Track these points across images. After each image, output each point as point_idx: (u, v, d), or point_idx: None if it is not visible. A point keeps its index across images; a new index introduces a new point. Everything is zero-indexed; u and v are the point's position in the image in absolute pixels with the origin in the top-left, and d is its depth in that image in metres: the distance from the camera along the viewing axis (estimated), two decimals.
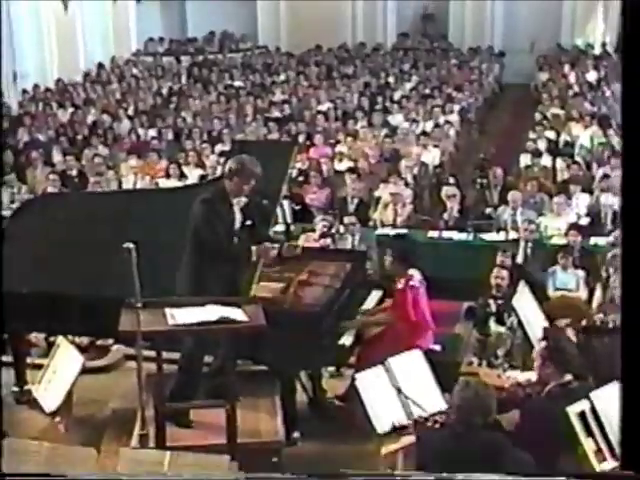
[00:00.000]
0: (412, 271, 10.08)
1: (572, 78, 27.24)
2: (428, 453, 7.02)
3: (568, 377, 7.62)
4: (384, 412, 7.83)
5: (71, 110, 23.91)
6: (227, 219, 8.75)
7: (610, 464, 7.21)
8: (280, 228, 11.10)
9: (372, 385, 8.05)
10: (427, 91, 25.78)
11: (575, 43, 30.96)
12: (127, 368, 10.61)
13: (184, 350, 8.73)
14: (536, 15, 31.21)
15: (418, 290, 10.09)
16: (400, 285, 10.05)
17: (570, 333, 9.17)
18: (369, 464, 7.40)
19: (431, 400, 7.88)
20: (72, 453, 6.93)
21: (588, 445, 7.17)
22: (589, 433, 7.19)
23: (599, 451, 7.19)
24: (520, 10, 31.35)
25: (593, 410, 7.25)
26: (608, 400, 7.38)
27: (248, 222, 8.93)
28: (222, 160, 14.54)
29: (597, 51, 30.56)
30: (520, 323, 10.24)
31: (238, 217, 8.87)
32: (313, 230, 14.31)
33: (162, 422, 8.09)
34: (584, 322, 11.02)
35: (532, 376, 8.86)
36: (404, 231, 14.77)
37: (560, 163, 18.52)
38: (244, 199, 8.90)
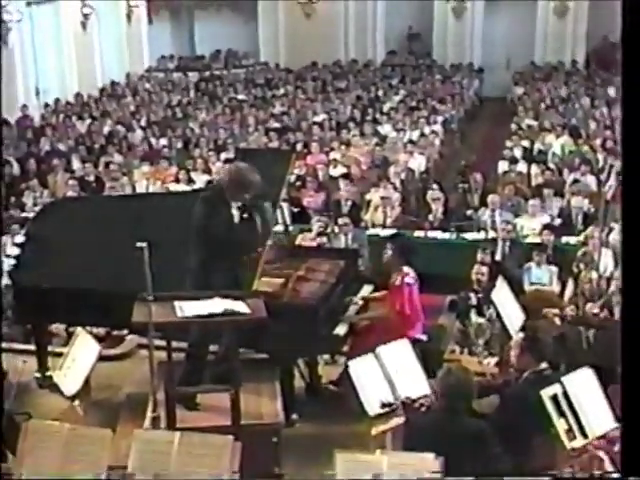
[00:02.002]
0: (407, 269, 10.07)
1: (545, 92, 27.23)
2: (415, 435, 7.03)
3: (543, 365, 7.63)
4: (374, 396, 7.81)
5: (89, 121, 23.93)
6: (225, 216, 8.71)
7: (579, 442, 7.24)
8: (280, 228, 11.07)
9: (363, 371, 8.02)
10: (413, 104, 25.78)
11: (547, 60, 30.93)
12: (140, 356, 10.57)
13: (191, 340, 8.70)
14: (512, 35, 31.23)
15: (412, 287, 10.07)
16: (397, 282, 10.03)
17: (546, 323, 9.15)
18: (361, 444, 7.37)
19: (417, 385, 7.85)
20: (90, 433, 6.87)
21: (560, 425, 7.19)
22: (561, 414, 7.20)
23: (570, 430, 7.22)
24: (497, 30, 31.34)
25: (565, 393, 7.26)
26: (578, 384, 7.40)
27: (245, 215, 8.87)
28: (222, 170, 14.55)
29: (567, 68, 30.54)
30: (498, 315, 10.22)
31: (236, 214, 8.83)
32: (310, 230, 14.36)
33: (172, 405, 8.08)
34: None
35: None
36: (401, 232, 14.80)
37: (534, 169, 18.57)
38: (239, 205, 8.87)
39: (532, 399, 7.21)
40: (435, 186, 16.77)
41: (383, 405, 7.74)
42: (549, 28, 30.83)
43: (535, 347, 7.77)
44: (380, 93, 27.69)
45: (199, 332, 8.59)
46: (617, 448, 7.62)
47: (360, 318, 10.15)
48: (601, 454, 7.62)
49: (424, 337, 10.05)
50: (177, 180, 17.74)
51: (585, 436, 7.27)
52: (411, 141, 20.75)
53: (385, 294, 10.26)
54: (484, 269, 11.99)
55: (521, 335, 8.14)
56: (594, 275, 12.51)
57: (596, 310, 11.33)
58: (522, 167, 18.86)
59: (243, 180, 8.75)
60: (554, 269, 13.30)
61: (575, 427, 7.24)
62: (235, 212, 8.80)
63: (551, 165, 18.93)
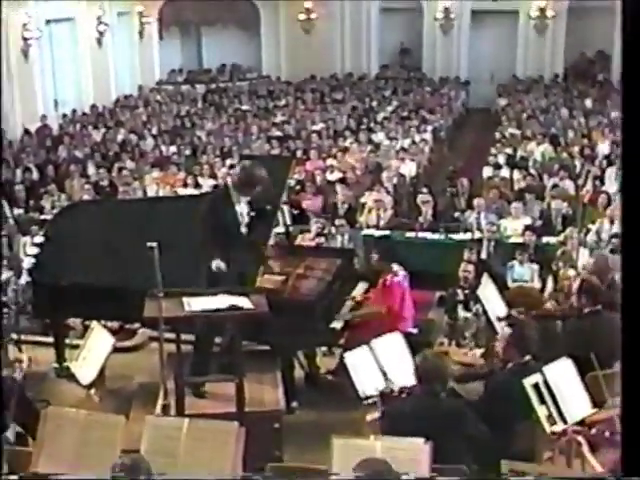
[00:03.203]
0: (396, 267, 10.06)
1: (526, 103, 27.23)
2: (398, 418, 7.04)
3: (527, 357, 7.64)
4: (368, 385, 7.81)
5: (103, 131, 23.89)
6: (229, 214, 8.75)
7: (559, 427, 7.25)
8: (281, 229, 11.06)
9: (358, 362, 8.04)
10: (405, 114, 25.79)
11: (528, 74, 30.95)
12: (151, 348, 10.58)
13: (198, 332, 8.70)
14: (495, 50, 31.29)
15: (402, 284, 10.07)
16: (387, 280, 10.03)
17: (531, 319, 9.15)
18: (356, 429, 7.37)
19: (407, 375, 7.84)
20: (104, 420, 6.89)
21: (541, 411, 7.21)
22: (542, 401, 7.21)
23: (550, 416, 7.23)
24: (482, 46, 31.37)
25: (545, 382, 7.27)
26: (558, 374, 7.41)
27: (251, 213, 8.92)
28: (232, 172, 14.52)
29: (547, 81, 30.56)
30: (484, 310, 10.24)
31: (245, 209, 8.87)
32: (309, 231, 14.35)
33: (181, 394, 8.08)
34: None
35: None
36: (387, 232, 14.79)
37: (517, 174, 18.54)
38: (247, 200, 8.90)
39: (515, 387, 7.23)
40: (425, 190, 16.77)
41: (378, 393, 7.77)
42: (530, 44, 30.90)
43: (522, 342, 7.79)
44: (374, 104, 27.65)
45: (206, 325, 8.59)
46: (594, 431, 7.69)
47: (354, 315, 10.13)
48: (580, 438, 7.65)
49: (415, 330, 10.05)
50: (185, 184, 17.73)
51: (564, 421, 7.30)
52: (403, 148, 20.74)
53: (377, 292, 10.25)
54: (470, 267, 11.98)
55: (508, 330, 8.13)
56: (572, 272, 12.51)
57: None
58: (505, 172, 18.86)
59: (252, 175, 8.86)
60: (535, 267, 13.29)
61: (555, 413, 7.26)
62: (244, 207, 8.85)
63: (532, 171, 18.95)
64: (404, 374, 7.77)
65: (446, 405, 7.09)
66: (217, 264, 8.53)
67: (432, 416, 6.85)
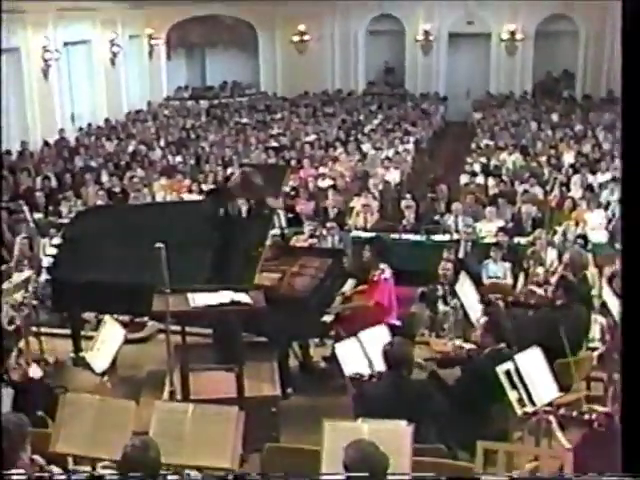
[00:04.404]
0: (383, 265, 10.04)
1: (499, 117, 27.26)
2: (373, 400, 7.09)
3: (502, 345, 7.64)
4: (357, 372, 7.80)
5: (116, 142, 23.87)
6: (230, 215, 8.77)
7: (529, 409, 7.25)
8: (277, 232, 11.04)
9: (347, 352, 8.03)
10: (389, 126, 25.79)
11: (500, 91, 30.98)
12: (159, 339, 10.51)
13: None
14: (470, 69, 31.32)
15: (389, 281, 10.05)
16: (375, 278, 10.01)
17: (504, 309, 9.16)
18: (345, 413, 7.34)
19: None
20: (117, 404, 6.89)
21: (512, 395, 7.21)
22: (513, 386, 7.21)
23: (520, 400, 7.23)
24: (458, 65, 31.41)
25: (516, 369, 7.27)
26: (528, 361, 7.41)
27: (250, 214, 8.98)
28: (232, 178, 14.53)
29: (517, 97, 30.59)
30: (461, 304, 10.24)
31: (244, 210, 8.91)
32: (302, 233, 14.34)
33: (186, 381, 8.05)
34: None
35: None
36: (375, 234, 14.79)
37: (491, 181, 18.60)
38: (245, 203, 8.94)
39: (489, 372, 7.24)
40: (408, 195, 16.78)
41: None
42: (501, 64, 30.95)
43: (497, 330, 7.80)
44: (361, 117, 27.67)
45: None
46: (562, 411, 7.71)
47: (344, 308, 10.10)
48: (550, 417, 7.67)
49: (399, 323, 10.01)
50: (190, 191, 17.73)
51: (534, 404, 7.30)
52: (388, 158, 20.74)
53: (365, 288, 10.22)
54: (449, 265, 12.00)
55: (485, 319, 8.14)
56: (540, 270, 12.53)
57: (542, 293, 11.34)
58: (480, 179, 18.90)
59: (250, 180, 8.99)
60: (508, 265, 13.30)
61: (525, 397, 7.27)
62: (243, 208, 8.88)
63: (505, 178, 18.96)
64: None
65: (413, 385, 7.15)
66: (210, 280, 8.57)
67: (400, 396, 6.91)
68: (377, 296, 9.88)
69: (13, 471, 5.21)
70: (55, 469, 5.74)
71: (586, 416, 7.57)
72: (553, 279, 10.83)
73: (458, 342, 9.68)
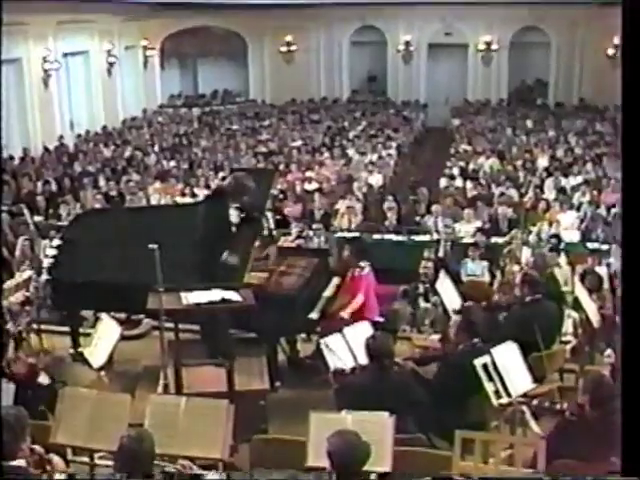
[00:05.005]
0: (363, 263, 10.04)
1: (476, 123, 27.31)
2: (357, 390, 7.13)
3: (476, 340, 7.65)
4: (341, 366, 7.81)
5: (113, 148, 23.82)
6: (224, 217, 8.76)
7: (505, 400, 7.27)
8: (265, 233, 11.04)
9: (333, 347, 8.03)
10: (372, 132, 25.84)
11: (477, 98, 31.03)
12: (153, 336, 10.48)
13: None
14: (449, 78, 31.36)
15: (368, 278, 10.05)
16: (355, 274, 10.02)
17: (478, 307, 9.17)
18: (330, 405, 7.34)
19: None
20: (113, 398, 6.90)
21: (489, 387, 7.23)
22: (490, 379, 7.23)
23: (497, 391, 7.25)
24: (438, 74, 31.47)
25: (493, 362, 7.29)
26: (503, 355, 7.44)
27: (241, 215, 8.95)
28: (224, 181, 14.52)
29: (493, 104, 30.65)
30: (441, 301, 10.26)
31: (235, 214, 8.88)
32: (290, 234, 14.33)
33: (179, 375, 8.04)
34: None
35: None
36: (357, 234, 14.80)
37: (469, 184, 18.62)
38: (237, 205, 8.91)
39: (466, 366, 7.25)
40: (390, 198, 16.79)
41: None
42: (478, 73, 31.02)
43: (470, 327, 7.81)
44: (346, 124, 27.68)
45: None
46: (535, 402, 7.73)
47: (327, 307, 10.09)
48: (523, 408, 7.70)
49: (381, 319, 10.02)
50: (183, 194, 17.72)
51: (509, 395, 7.33)
52: (371, 162, 20.80)
53: (345, 284, 10.22)
54: (430, 264, 12.05)
55: (458, 317, 8.17)
56: (516, 268, 12.55)
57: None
58: (459, 183, 18.92)
59: (242, 184, 8.94)
60: (485, 263, 13.32)
61: (501, 388, 7.29)
62: (234, 212, 8.85)
63: (482, 181, 19.02)
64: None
65: (394, 376, 7.19)
66: (227, 256, 8.56)
67: (382, 386, 6.94)
68: (356, 292, 9.89)
69: (13, 463, 5.19)
70: (55, 458, 5.72)
71: (558, 406, 7.60)
72: (518, 277, 10.87)
73: (437, 337, 9.72)
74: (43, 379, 7.85)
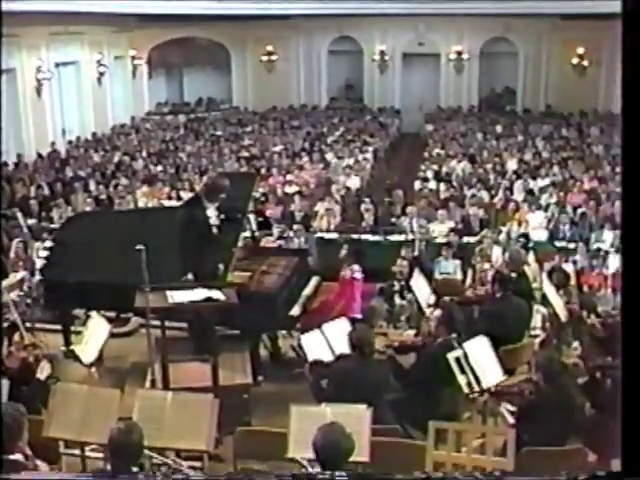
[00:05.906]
0: (356, 267, 10.06)
1: (449, 129, 27.34)
2: (338, 380, 7.14)
3: (453, 335, 7.67)
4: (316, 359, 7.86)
5: (102, 154, 23.71)
6: (201, 218, 8.73)
7: (476, 391, 7.29)
8: (248, 234, 11.01)
9: (312, 343, 8.04)
10: (350, 137, 25.80)
11: (450, 105, 31.08)
12: (141, 333, 10.41)
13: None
14: (423, 86, 31.32)
15: (359, 281, 10.07)
16: (347, 276, 10.02)
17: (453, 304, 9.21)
18: (310, 398, 7.33)
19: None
20: (103, 393, 6.87)
21: (462, 379, 7.26)
22: (462, 371, 7.25)
23: (469, 383, 7.27)
24: (412, 82, 31.44)
25: (465, 356, 7.30)
26: (475, 349, 7.46)
27: (221, 216, 8.92)
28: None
29: (465, 111, 30.70)
30: (416, 298, 10.27)
31: (214, 215, 8.86)
32: (271, 235, 14.32)
33: (166, 370, 8.00)
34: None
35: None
36: (335, 235, 14.81)
37: (442, 186, 18.65)
38: (216, 206, 8.89)
39: (440, 359, 7.28)
40: (367, 200, 16.82)
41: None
42: (450, 81, 31.00)
43: (450, 322, 7.83)
44: (325, 129, 27.62)
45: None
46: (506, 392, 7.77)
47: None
48: (495, 398, 7.72)
49: (359, 316, 10.02)
50: (169, 198, 17.68)
51: (481, 387, 7.35)
52: (348, 166, 20.79)
53: (337, 284, 10.23)
54: (405, 263, 12.07)
55: (439, 312, 8.19)
56: (487, 266, 12.59)
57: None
58: (433, 185, 18.94)
59: (217, 184, 8.94)
60: (457, 262, 13.36)
61: (473, 380, 7.31)
62: (213, 213, 8.82)
63: (454, 183, 19.06)
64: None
65: (374, 363, 7.25)
66: (187, 278, 8.57)
67: (363, 372, 6.98)
68: (348, 292, 9.92)
69: (11, 457, 5.17)
70: (41, 465, 5.70)
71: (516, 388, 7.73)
72: (489, 275, 10.90)
73: (412, 333, 9.73)
74: (40, 374, 7.79)
